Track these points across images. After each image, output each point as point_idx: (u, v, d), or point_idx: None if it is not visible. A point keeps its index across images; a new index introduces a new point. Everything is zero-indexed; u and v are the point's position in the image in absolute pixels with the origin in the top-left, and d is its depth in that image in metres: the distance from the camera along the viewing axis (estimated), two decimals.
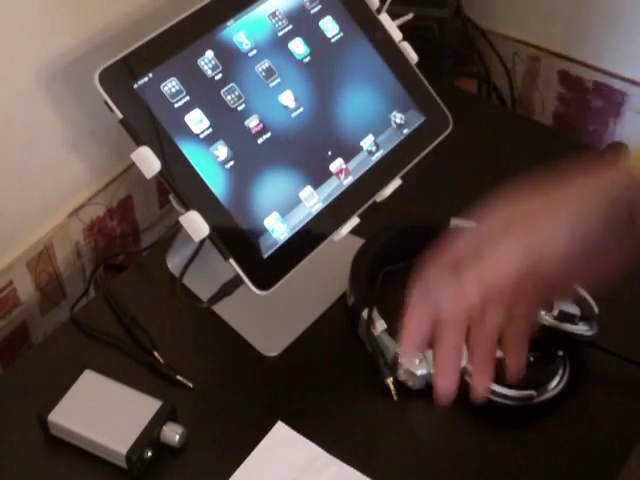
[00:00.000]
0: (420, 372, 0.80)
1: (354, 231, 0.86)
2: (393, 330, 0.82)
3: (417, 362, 0.79)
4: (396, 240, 0.92)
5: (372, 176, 0.87)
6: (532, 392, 0.79)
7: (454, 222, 0.92)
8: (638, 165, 0.61)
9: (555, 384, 0.80)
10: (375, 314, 0.83)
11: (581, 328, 0.81)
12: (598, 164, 0.62)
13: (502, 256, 0.59)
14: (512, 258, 0.59)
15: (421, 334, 0.61)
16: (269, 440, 0.78)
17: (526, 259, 0.59)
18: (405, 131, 0.89)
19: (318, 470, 0.76)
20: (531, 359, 0.80)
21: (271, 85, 0.84)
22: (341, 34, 0.88)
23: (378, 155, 0.87)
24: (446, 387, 0.62)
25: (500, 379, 0.78)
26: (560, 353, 0.81)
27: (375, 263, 0.89)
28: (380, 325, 0.82)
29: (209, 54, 0.81)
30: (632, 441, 0.80)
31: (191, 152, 0.78)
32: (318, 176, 0.84)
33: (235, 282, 0.81)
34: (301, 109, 0.84)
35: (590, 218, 0.60)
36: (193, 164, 0.78)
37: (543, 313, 0.80)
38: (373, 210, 0.87)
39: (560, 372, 0.81)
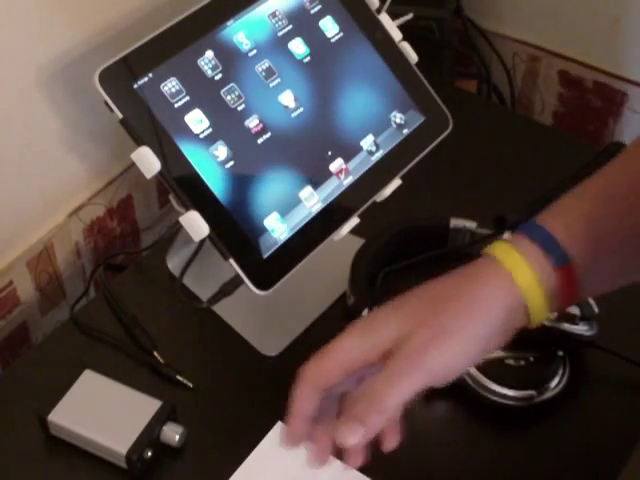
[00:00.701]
0: None
1: (354, 231, 0.86)
2: None
3: None
4: (396, 240, 0.92)
5: (372, 176, 0.87)
6: (532, 392, 0.79)
7: (454, 222, 0.92)
8: (520, 275, 0.60)
9: (555, 384, 0.80)
10: None
11: (581, 328, 0.81)
12: (484, 270, 0.61)
13: (399, 389, 0.58)
14: (410, 389, 0.58)
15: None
16: (269, 440, 0.78)
17: (424, 385, 0.58)
18: (405, 131, 0.89)
19: (318, 470, 0.76)
20: (531, 359, 0.80)
21: (271, 85, 0.84)
22: (341, 34, 0.88)
23: (378, 155, 0.87)
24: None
25: (500, 379, 0.79)
26: (560, 353, 0.81)
27: (375, 263, 0.89)
28: None
29: (209, 54, 0.81)
30: (632, 441, 0.80)
31: (191, 152, 0.78)
32: (318, 176, 0.84)
33: (235, 282, 0.80)
34: (301, 109, 0.84)
35: (491, 334, 0.59)
36: (193, 164, 0.78)
37: None
38: (373, 210, 0.87)
39: (560, 372, 0.81)
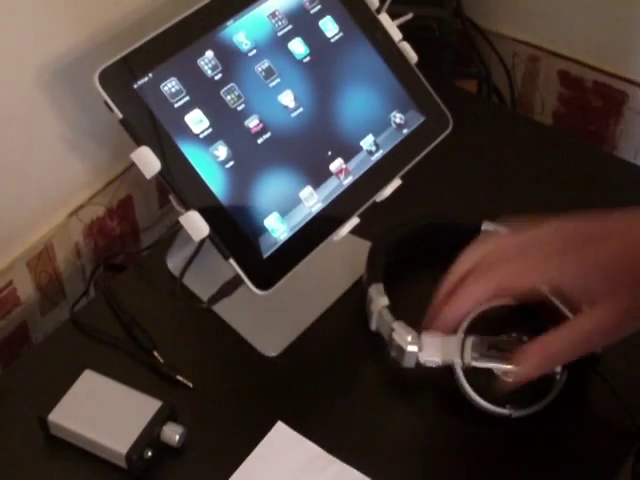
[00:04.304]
0: (410, 349, 0.78)
1: (354, 231, 0.86)
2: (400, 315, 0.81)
3: (409, 339, 0.77)
4: (421, 233, 0.90)
5: (372, 176, 0.87)
6: (507, 411, 0.78)
7: (486, 225, 0.88)
8: None
9: (538, 404, 0.79)
10: (379, 289, 0.82)
11: None
12: None
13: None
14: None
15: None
16: (269, 440, 0.78)
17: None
18: (405, 131, 0.89)
19: (318, 470, 0.76)
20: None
21: (271, 85, 0.84)
22: (341, 34, 0.88)
23: (378, 155, 0.87)
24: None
25: (484, 390, 0.78)
26: (558, 369, 0.79)
27: (395, 252, 0.87)
28: (382, 301, 0.82)
29: (209, 54, 0.81)
30: (632, 441, 0.80)
31: (191, 152, 0.78)
32: (318, 176, 0.84)
33: (235, 282, 0.81)
34: (301, 109, 0.84)
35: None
36: (193, 164, 0.78)
37: None
38: (373, 210, 0.87)
39: (551, 392, 0.79)
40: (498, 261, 0.69)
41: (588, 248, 0.65)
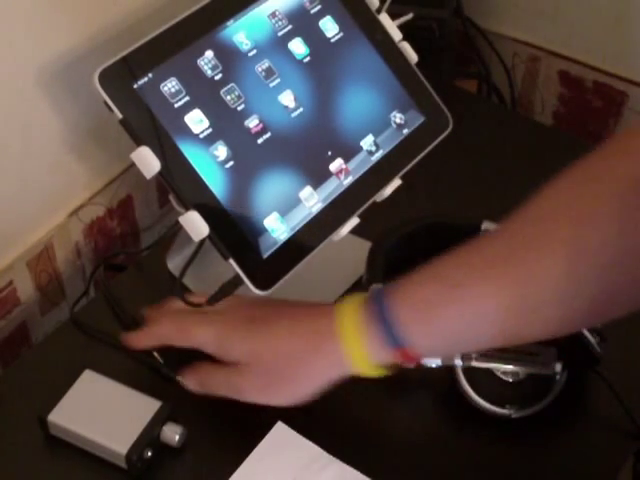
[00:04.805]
0: None
1: (354, 231, 0.86)
2: None
3: None
4: (422, 233, 0.90)
5: (372, 176, 0.87)
6: (508, 411, 0.79)
7: (486, 224, 0.90)
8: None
9: (538, 405, 0.79)
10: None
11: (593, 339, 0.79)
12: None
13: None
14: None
15: None
16: (269, 440, 0.78)
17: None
18: (405, 131, 0.89)
19: (318, 470, 0.76)
20: (521, 376, 0.79)
21: (271, 85, 0.84)
22: (341, 34, 0.88)
23: (378, 155, 0.87)
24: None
25: (483, 391, 0.78)
26: (557, 369, 0.80)
27: (396, 252, 0.87)
28: None
29: (209, 54, 0.81)
30: (632, 441, 0.80)
31: (191, 152, 0.78)
32: (318, 176, 0.84)
33: (235, 282, 0.80)
34: (301, 109, 0.84)
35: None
36: (193, 164, 0.78)
37: None
38: (373, 210, 0.87)
39: (550, 394, 0.80)
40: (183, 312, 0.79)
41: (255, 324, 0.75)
